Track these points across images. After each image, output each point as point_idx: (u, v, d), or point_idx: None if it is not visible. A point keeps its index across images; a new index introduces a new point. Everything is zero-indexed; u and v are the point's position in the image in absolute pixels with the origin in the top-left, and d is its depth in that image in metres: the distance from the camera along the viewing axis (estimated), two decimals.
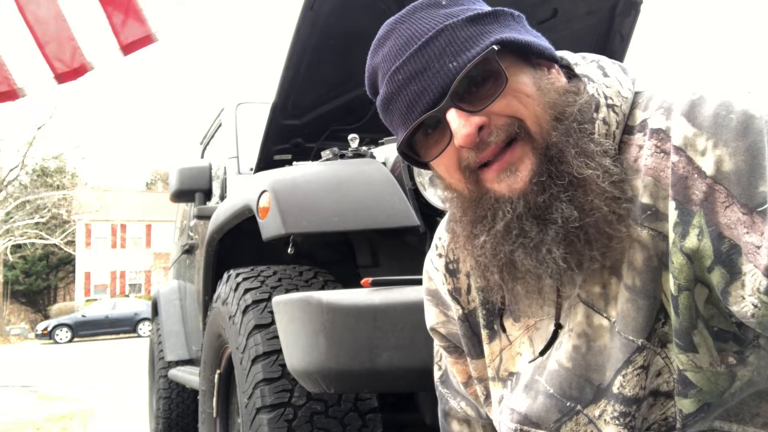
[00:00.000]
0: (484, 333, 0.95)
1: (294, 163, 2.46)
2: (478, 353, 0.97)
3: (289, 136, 2.70)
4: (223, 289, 2.19)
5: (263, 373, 1.80)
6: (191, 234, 3.87)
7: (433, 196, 1.86)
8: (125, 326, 24.44)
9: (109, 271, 36.16)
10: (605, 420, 0.81)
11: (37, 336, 24.44)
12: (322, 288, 1.96)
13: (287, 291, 1.94)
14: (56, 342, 23.43)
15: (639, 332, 0.78)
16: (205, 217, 2.88)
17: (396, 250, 2.07)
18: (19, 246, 32.87)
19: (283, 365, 1.78)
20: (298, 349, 1.58)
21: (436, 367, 1.12)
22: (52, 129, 46.33)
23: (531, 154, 0.78)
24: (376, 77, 0.86)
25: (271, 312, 1.86)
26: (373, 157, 2.13)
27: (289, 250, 1.97)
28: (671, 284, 0.75)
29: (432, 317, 1.05)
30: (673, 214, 0.73)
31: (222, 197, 3.16)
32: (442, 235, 1.03)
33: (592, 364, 0.82)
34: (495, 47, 0.77)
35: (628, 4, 2.70)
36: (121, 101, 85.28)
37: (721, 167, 0.70)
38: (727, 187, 0.70)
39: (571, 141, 0.77)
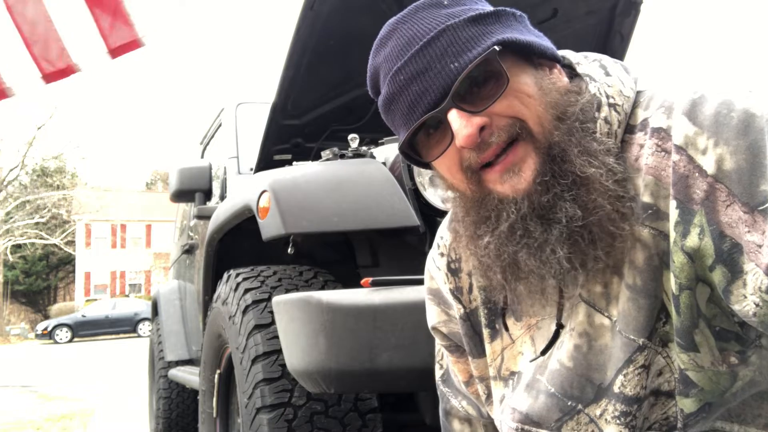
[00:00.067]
0: (485, 332, 0.95)
1: (294, 163, 2.46)
2: (480, 352, 0.98)
3: (289, 136, 2.70)
4: (223, 289, 2.19)
5: (263, 373, 1.80)
6: (191, 234, 3.87)
7: (433, 196, 1.86)
8: (125, 326, 24.44)
9: (109, 271, 36.17)
10: (606, 419, 0.81)
11: (37, 336, 24.44)
12: (322, 288, 1.96)
13: (287, 291, 1.94)
14: (56, 342, 23.43)
15: (640, 331, 0.78)
16: (205, 217, 2.88)
17: (396, 250, 2.07)
18: (19, 246, 32.88)
19: (283, 365, 1.77)
20: (298, 349, 1.58)
21: (437, 366, 1.12)
22: (52, 129, 46.31)
23: (534, 154, 0.78)
24: (378, 77, 0.86)
25: (271, 312, 1.86)
26: (373, 157, 2.13)
27: (289, 250, 1.97)
28: (672, 283, 0.75)
29: (433, 316, 1.05)
30: (674, 213, 0.73)
31: (222, 197, 3.16)
32: (444, 234, 1.03)
33: (593, 363, 0.82)
34: (496, 48, 0.77)
35: (628, 4, 2.70)
36: (121, 101, 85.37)
37: (722, 166, 0.70)
38: (728, 186, 0.70)
39: (574, 140, 0.77)
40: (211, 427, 2.47)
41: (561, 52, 0.89)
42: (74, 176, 36.23)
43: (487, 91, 0.77)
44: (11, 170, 29.99)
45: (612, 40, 2.79)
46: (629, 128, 0.82)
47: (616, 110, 0.82)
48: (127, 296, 32.46)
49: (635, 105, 0.83)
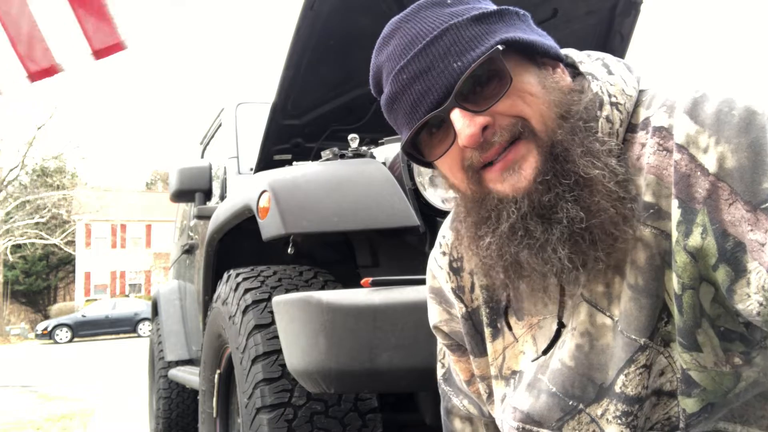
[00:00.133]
0: (487, 331, 0.95)
1: (294, 163, 2.46)
2: (481, 351, 0.97)
3: (289, 136, 2.70)
4: (223, 289, 2.19)
5: (263, 373, 1.80)
6: (191, 234, 3.87)
7: (433, 196, 1.86)
8: (125, 326, 24.44)
9: (109, 271, 36.17)
10: (607, 419, 0.81)
11: (37, 336, 24.44)
12: (322, 288, 1.96)
13: (287, 291, 1.94)
14: (56, 342, 23.43)
15: (641, 331, 0.78)
16: (205, 217, 2.88)
17: (396, 250, 2.07)
18: (19, 246, 32.88)
19: (283, 365, 1.77)
20: (298, 349, 1.58)
21: (439, 365, 1.12)
22: (52, 129, 46.27)
23: (535, 151, 0.77)
24: (381, 76, 0.85)
25: (271, 312, 1.86)
26: (373, 157, 2.13)
27: (289, 250, 1.97)
28: (675, 283, 0.75)
29: (435, 315, 1.05)
30: (676, 213, 0.73)
31: (222, 197, 3.16)
32: (446, 233, 1.03)
33: (595, 363, 0.82)
34: (500, 47, 0.76)
35: (628, 4, 2.70)
36: (121, 101, 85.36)
37: (723, 164, 0.70)
38: (730, 184, 0.70)
39: (577, 140, 0.77)
40: (211, 427, 2.47)
41: (564, 51, 0.89)
42: (74, 176, 36.24)
43: (490, 90, 0.77)
44: (11, 170, 30.01)
45: (612, 40, 2.79)
46: (631, 127, 0.82)
47: (618, 109, 0.81)
48: (127, 296, 32.46)
49: (638, 104, 0.83)
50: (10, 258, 32.84)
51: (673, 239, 0.74)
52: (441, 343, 1.09)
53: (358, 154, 2.15)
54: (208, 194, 3.11)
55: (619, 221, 0.76)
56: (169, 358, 4.05)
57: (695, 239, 0.72)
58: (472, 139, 0.76)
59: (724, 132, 0.71)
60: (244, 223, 2.19)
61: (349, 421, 1.79)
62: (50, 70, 3.40)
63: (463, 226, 0.87)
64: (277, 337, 1.79)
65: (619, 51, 2.83)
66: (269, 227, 1.87)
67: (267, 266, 2.11)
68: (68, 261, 37.16)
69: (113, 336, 24.57)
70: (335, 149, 2.17)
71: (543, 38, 0.83)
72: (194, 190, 3.07)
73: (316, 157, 2.50)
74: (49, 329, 23.74)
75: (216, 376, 2.41)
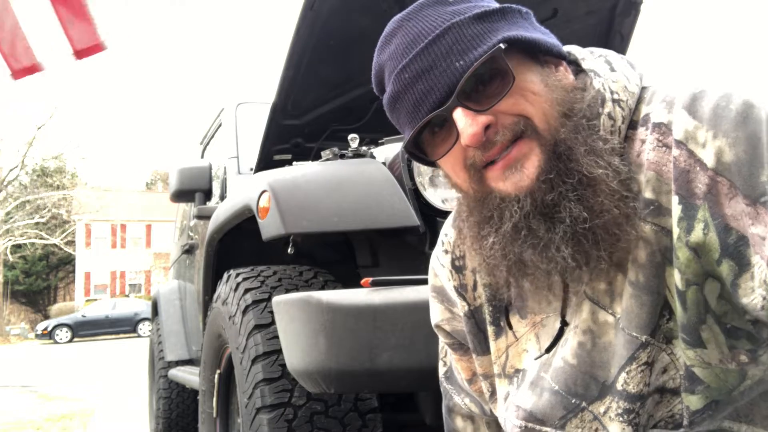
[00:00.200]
0: (490, 329, 0.95)
1: (294, 163, 2.46)
2: (484, 350, 0.97)
3: (289, 136, 2.70)
4: (223, 289, 2.19)
5: (263, 373, 1.80)
6: (191, 234, 3.87)
7: (433, 196, 1.86)
8: (125, 326, 24.44)
9: (109, 271, 36.16)
10: (610, 417, 0.81)
11: (37, 336, 24.44)
12: (322, 288, 1.96)
13: (287, 291, 1.94)
14: (56, 342, 23.43)
15: (643, 328, 0.77)
16: (205, 217, 2.88)
17: (396, 250, 2.07)
18: (19, 246, 32.87)
19: (283, 365, 1.77)
20: (298, 349, 1.58)
21: (440, 363, 1.12)
22: (52, 129, 46.34)
23: (538, 150, 0.77)
24: (383, 75, 0.85)
25: (271, 312, 1.86)
26: (373, 157, 2.13)
27: (289, 250, 1.97)
28: (677, 279, 0.74)
29: (437, 314, 1.05)
30: (676, 209, 0.73)
31: (222, 197, 3.16)
32: (448, 231, 1.02)
33: (597, 360, 0.82)
34: (502, 45, 0.76)
35: (628, 4, 2.70)
36: (122, 101, 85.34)
37: (721, 158, 0.70)
38: (729, 179, 0.69)
39: (580, 138, 0.77)
40: (211, 427, 2.47)
41: (567, 48, 0.88)
42: (74, 176, 36.24)
43: (493, 89, 0.77)
44: (11, 170, 30.01)
45: (612, 40, 2.79)
46: (632, 124, 0.81)
47: (620, 106, 0.81)
48: (127, 296, 32.45)
49: (640, 101, 0.83)
50: (10, 258, 32.83)
51: (675, 236, 0.74)
52: (443, 341, 1.08)
53: (358, 154, 2.15)
54: (208, 194, 3.11)
55: (622, 221, 0.75)
56: (169, 358, 4.05)
57: (697, 235, 0.72)
58: (474, 138, 0.76)
59: (722, 126, 0.71)
60: (244, 223, 2.19)
61: (349, 421, 1.79)
62: (32, 69, 3.42)
63: (465, 225, 0.87)
64: (277, 337, 1.79)
65: (619, 51, 2.81)
66: (269, 227, 1.87)
67: (267, 266, 2.11)
68: (68, 261, 37.16)
69: (113, 336, 24.57)
70: (335, 149, 2.17)
71: (546, 36, 0.83)
72: (194, 190, 3.07)
73: (316, 157, 2.50)
74: (49, 329, 23.73)
75: (216, 376, 2.41)
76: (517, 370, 0.92)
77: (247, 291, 1.99)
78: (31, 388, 8.83)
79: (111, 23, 3.42)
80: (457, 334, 1.03)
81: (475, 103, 0.77)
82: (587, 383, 0.82)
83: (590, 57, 0.87)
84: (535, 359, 0.89)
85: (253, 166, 2.78)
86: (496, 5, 0.82)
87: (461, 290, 0.98)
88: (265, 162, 2.66)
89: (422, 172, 1.87)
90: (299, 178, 1.96)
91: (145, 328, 23.83)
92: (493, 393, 0.99)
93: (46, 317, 30.96)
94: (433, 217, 1.88)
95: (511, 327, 0.92)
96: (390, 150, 2.12)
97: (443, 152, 0.81)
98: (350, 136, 2.24)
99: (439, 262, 1.03)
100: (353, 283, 1.75)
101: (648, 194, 0.77)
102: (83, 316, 24.70)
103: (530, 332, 0.90)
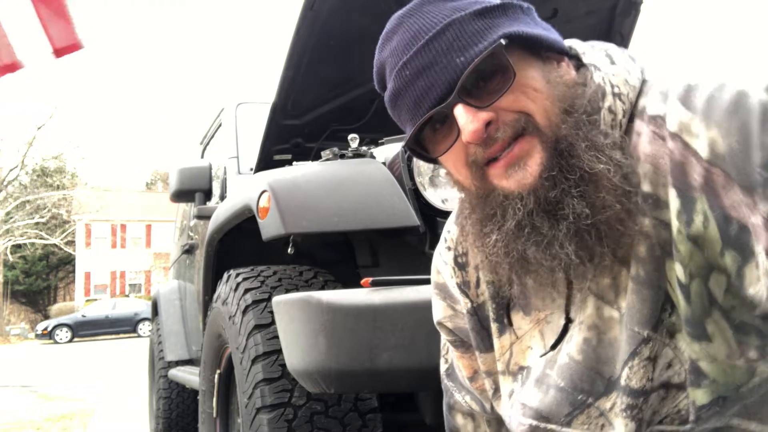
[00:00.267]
0: (493, 326, 0.94)
1: (294, 163, 2.46)
2: (487, 347, 0.97)
3: (289, 136, 2.70)
4: (223, 289, 2.19)
5: (263, 373, 1.80)
6: (191, 234, 3.87)
7: (433, 196, 1.86)
8: (125, 326, 24.43)
9: (109, 271, 36.16)
10: (615, 412, 0.80)
11: (37, 336, 24.42)
12: (322, 288, 1.96)
13: (287, 291, 1.93)
14: (56, 342, 23.42)
15: (644, 323, 0.77)
16: (205, 217, 2.88)
17: (396, 250, 2.07)
18: (19, 246, 32.87)
19: (283, 365, 1.77)
20: (298, 349, 1.58)
21: (442, 360, 1.11)
22: (52, 129, 46.33)
23: (540, 147, 0.77)
24: (384, 72, 0.85)
25: (271, 312, 1.86)
26: (373, 157, 2.13)
27: (289, 250, 1.97)
28: (680, 272, 0.74)
29: (439, 311, 1.04)
30: (675, 203, 0.73)
31: (222, 197, 3.16)
32: (451, 228, 1.02)
33: (603, 356, 0.81)
34: (503, 41, 0.76)
35: (628, 4, 2.70)
36: (122, 101, 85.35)
37: (715, 149, 0.70)
38: (725, 170, 0.69)
39: (581, 134, 0.76)
40: (211, 427, 2.47)
41: (568, 42, 0.88)
42: (74, 176, 36.24)
43: (494, 85, 0.77)
44: (11, 170, 30.01)
45: (612, 40, 2.79)
46: (632, 117, 0.81)
47: (620, 99, 0.81)
48: (127, 296, 32.45)
49: (640, 94, 0.82)
50: (10, 258, 32.83)
51: (674, 229, 0.73)
52: (444, 339, 1.08)
53: (358, 154, 2.15)
54: (208, 194, 3.11)
55: (624, 217, 0.75)
56: (169, 358, 4.05)
57: (697, 227, 0.71)
58: (475, 135, 0.76)
59: (714, 116, 0.70)
60: (244, 223, 2.19)
61: (349, 421, 1.79)
62: (12, 66, 3.43)
63: (468, 223, 0.86)
64: (277, 337, 1.79)
65: None
66: (269, 227, 1.86)
67: (267, 266, 2.11)
68: (68, 261, 37.15)
69: (113, 336, 24.56)
70: (335, 149, 2.17)
71: (547, 32, 0.83)
72: (194, 190, 3.07)
73: (316, 157, 2.50)
74: (49, 329, 23.72)
75: (216, 376, 2.41)
76: (522, 368, 0.92)
77: (247, 291, 1.99)
78: (31, 388, 8.82)
79: (93, 22, 3.41)
80: (460, 331, 1.02)
81: (476, 99, 0.77)
82: (593, 379, 0.82)
83: (591, 51, 0.87)
84: (540, 356, 0.88)
85: (253, 166, 2.78)
86: (497, 1, 0.81)
87: (464, 287, 0.98)
88: (265, 162, 2.66)
89: (422, 172, 1.87)
90: (299, 178, 1.96)
91: (145, 328, 23.82)
92: (496, 390, 0.98)
93: (46, 317, 30.96)
94: (433, 217, 1.88)
95: (512, 324, 0.92)
96: (390, 150, 2.12)
97: (444, 149, 0.81)
98: (350, 136, 2.24)
99: (442, 258, 1.03)
100: (353, 283, 1.75)
101: (646, 187, 0.76)
102: (83, 316, 24.69)
103: (534, 329, 0.90)
